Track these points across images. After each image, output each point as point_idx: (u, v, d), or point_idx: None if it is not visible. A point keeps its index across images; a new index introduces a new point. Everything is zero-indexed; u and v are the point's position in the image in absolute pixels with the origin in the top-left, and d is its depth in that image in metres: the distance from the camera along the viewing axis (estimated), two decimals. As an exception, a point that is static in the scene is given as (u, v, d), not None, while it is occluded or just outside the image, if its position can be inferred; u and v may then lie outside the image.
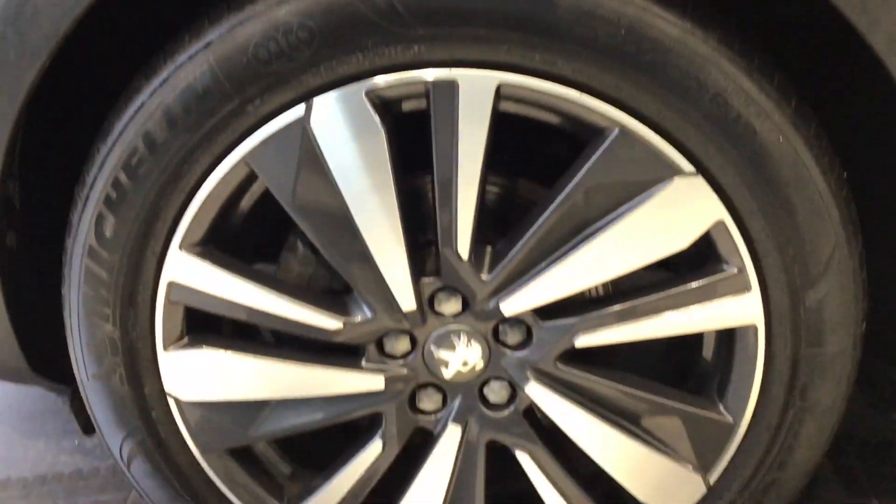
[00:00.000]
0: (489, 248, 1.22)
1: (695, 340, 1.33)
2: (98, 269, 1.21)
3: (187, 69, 1.12)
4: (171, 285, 1.22)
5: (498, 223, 1.31)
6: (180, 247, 1.20)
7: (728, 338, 1.25)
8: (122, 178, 1.17)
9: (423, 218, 1.24)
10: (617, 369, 1.30)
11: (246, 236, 1.32)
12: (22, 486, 1.85)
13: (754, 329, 1.19)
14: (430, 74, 1.10)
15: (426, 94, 1.12)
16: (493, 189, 1.33)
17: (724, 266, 1.18)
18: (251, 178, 1.19)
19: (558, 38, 1.07)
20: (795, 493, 1.31)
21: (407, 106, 1.16)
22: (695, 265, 1.21)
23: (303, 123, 1.13)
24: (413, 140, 1.16)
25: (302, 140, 1.13)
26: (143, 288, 1.22)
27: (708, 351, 1.33)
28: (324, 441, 1.43)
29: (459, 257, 1.19)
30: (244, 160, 1.15)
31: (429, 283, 1.22)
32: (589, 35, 1.07)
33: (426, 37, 1.08)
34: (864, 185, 1.20)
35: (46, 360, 1.43)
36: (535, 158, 1.36)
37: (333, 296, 1.28)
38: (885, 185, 1.27)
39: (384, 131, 1.13)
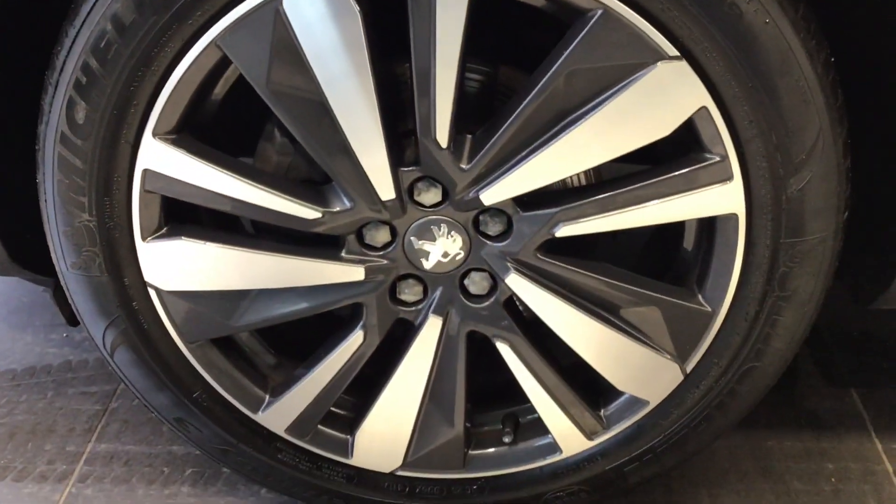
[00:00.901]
0: (469, 137, 1.20)
1: (676, 231, 1.32)
2: (72, 157, 1.19)
3: (154, -54, 1.08)
4: (147, 173, 1.20)
5: (479, 112, 1.29)
6: (154, 134, 1.18)
7: (709, 228, 1.24)
8: (92, 61, 1.14)
9: (403, 106, 1.22)
10: (598, 261, 1.30)
11: (222, 126, 1.30)
12: (11, 378, 1.87)
13: (735, 218, 1.19)
14: (406, -49, 1.06)
15: (401, -24, 1.08)
16: (474, 76, 1.30)
17: (707, 154, 1.16)
18: (224, 62, 1.16)
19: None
20: (772, 382, 1.33)
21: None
22: (677, 154, 1.19)
23: (275, 4, 1.09)
24: (391, 24, 1.13)
25: (275, 22, 1.10)
26: (118, 176, 1.21)
27: (689, 242, 1.32)
28: (308, 332, 1.44)
29: (438, 145, 1.17)
30: (216, 43, 1.12)
31: (408, 172, 1.21)
32: None
33: None
34: (852, 67, 1.17)
35: (27, 252, 1.42)
36: (517, 46, 1.32)
37: (312, 186, 1.27)
38: (874, 68, 1.24)
39: (360, 13, 1.09)
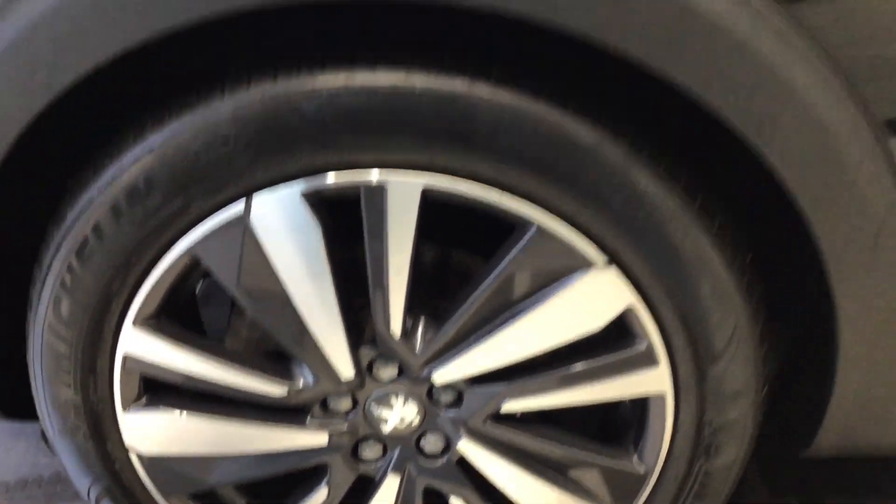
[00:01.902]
0: (422, 321, 1.32)
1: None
2: (58, 343, 1.30)
3: (132, 171, 1.18)
4: (127, 357, 1.31)
5: (432, 288, 1.40)
6: (134, 323, 1.29)
7: (643, 398, 1.36)
8: (75, 264, 1.25)
9: (364, 282, 1.33)
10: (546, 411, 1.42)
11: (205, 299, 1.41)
12: (5, 490, 1.97)
13: (663, 397, 1.31)
14: (359, 177, 1.17)
15: (358, 192, 1.20)
16: (426, 258, 1.41)
17: (636, 342, 1.28)
18: (199, 261, 1.27)
19: (479, 148, 1.15)
20: (704, 530, 1.45)
21: (347, 194, 1.23)
22: (611, 339, 1.31)
23: (243, 220, 1.20)
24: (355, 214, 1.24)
25: (244, 234, 1.21)
26: (101, 359, 1.32)
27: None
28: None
29: (392, 337, 1.28)
30: (189, 251, 1.23)
31: (367, 352, 1.32)
32: (508, 144, 1.14)
33: (356, 144, 1.15)
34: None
35: (18, 402, 1.53)
36: (469, 234, 1.44)
37: (279, 360, 1.38)
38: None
39: (320, 226, 1.20)
